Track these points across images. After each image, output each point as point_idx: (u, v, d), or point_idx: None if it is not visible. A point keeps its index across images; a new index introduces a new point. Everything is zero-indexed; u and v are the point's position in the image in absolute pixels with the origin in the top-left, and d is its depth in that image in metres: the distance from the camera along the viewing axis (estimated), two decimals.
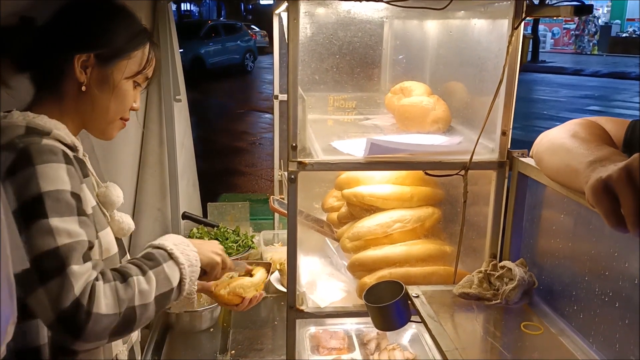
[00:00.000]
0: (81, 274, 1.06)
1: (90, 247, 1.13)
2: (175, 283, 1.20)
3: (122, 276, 1.13)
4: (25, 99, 1.26)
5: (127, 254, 1.43)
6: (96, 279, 1.09)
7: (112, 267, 1.17)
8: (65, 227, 1.08)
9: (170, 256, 1.23)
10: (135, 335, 1.44)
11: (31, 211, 1.08)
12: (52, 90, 1.25)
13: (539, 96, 13.58)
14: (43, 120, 1.20)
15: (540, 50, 20.47)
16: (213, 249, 1.40)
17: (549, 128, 1.21)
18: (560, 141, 1.08)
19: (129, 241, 2.34)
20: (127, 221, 1.36)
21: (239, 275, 1.77)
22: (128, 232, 1.37)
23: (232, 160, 8.19)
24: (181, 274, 1.22)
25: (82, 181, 1.20)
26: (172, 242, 1.27)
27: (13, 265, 0.61)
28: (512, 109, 1.27)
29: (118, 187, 1.36)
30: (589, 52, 23.76)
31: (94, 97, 1.24)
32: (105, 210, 1.31)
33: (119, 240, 1.39)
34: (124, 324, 1.10)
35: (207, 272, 1.37)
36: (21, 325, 1.13)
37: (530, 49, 19.22)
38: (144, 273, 1.16)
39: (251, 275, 1.73)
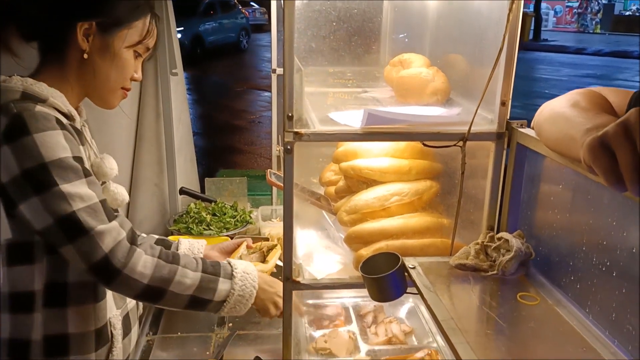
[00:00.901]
0: (107, 232, 1.15)
1: (105, 202, 1.20)
2: (217, 299, 1.29)
3: (171, 259, 1.24)
4: (32, 66, 1.30)
5: None
6: (135, 243, 1.19)
7: (172, 251, 1.29)
8: (77, 192, 1.14)
9: (232, 277, 1.31)
10: (132, 304, 1.45)
11: (40, 181, 1.14)
12: (56, 58, 1.28)
13: (541, 75, 13.50)
14: (41, 88, 1.24)
15: (542, 28, 20.27)
16: (277, 301, 1.41)
17: None
18: (560, 110, 1.07)
19: (126, 216, 2.33)
20: (121, 192, 1.40)
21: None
22: (122, 204, 1.41)
23: (231, 138, 8.17)
24: (227, 297, 1.30)
25: (79, 144, 1.24)
26: (244, 269, 1.36)
27: None
28: (511, 78, 1.25)
29: (112, 159, 1.38)
30: (591, 31, 23.53)
31: (96, 65, 1.28)
32: (98, 180, 1.33)
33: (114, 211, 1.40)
34: (149, 295, 1.22)
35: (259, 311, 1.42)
36: (13, 272, 1.23)
37: (532, 27, 19.02)
38: (194, 270, 1.26)
39: (264, 261, 1.69)
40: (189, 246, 1.65)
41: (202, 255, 1.65)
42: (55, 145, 1.15)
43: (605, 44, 18.73)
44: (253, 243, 1.78)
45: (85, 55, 1.26)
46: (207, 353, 1.74)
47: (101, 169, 1.34)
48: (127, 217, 2.38)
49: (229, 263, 1.36)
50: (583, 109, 1.01)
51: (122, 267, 1.16)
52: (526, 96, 10.25)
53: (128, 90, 1.36)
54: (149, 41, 1.34)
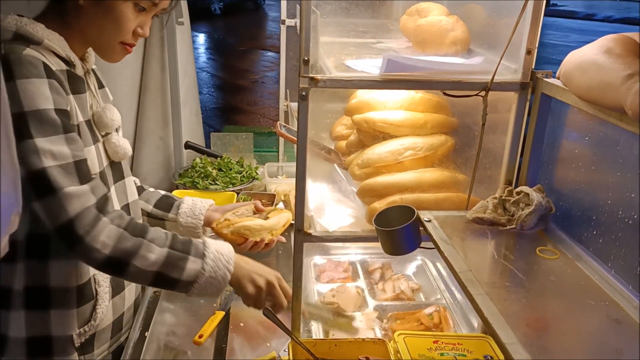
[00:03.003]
0: (76, 196, 1.09)
1: (83, 162, 1.13)
2: (184, 278, 1.19)
3: (138, 231, 1.16)
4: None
5: (126, 179, 1.40)
6: (104, 212, 1.12)
7: (139, 222, 1.20)
8: (50, 148, 1.09)
9: (203, 257, 1.21)
10: None
11: (16, 130, 1.06)
12: (57, 3, 1.22)
13: (549, 40, 13.24)
14: (36, 29, 1.17)
15: None
16: (255, 279, 1.26)
17: None
18: (592, 58, 1.02)
19: (130, 169, 2.30)
20: (123, 145, 1.33)
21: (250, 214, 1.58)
22: (124, 157, 1.35)
23: (234, 97, 8.06)
24: (196, 277, 1.20)
25: (69, 93, 1.17)
26: (217, 249, 1.24)
27: None
28: (539, 25, 1.19)
29: (116, 110, 1.33)
30: None
31: (90, 15, 1.21)
32: (99, 131, 1.29)
33: (117, 164, 1.37)
34: (111, 267, 1.16)
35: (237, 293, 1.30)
36: None
37: None
38: (161, 245, 1.17)
39: (265, 218, 1.57)
40: (192, 205, 1.58)
41: (202, 216, 1.56)
42: (37, 94, 1.09)
43: (615, 10, 18.32)
44: (263, 205, 1.62)
45: (81, 2, 1.18)
46: (214, 305, 1.73)
47: (102, 119, 1.28)
48: (131, 170, 2.36)
49: (203, 242, 1.24)
50: (618, 55, 0.97)
51: (85, 235, 1.09)
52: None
53: (130, 45, 1.26)
54: None
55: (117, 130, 1.39)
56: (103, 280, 1.32)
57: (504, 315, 0.87)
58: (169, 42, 2.37)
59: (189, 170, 2.48)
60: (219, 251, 1.24)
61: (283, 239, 1.58)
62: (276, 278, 1.31)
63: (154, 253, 1.16)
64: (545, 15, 1.19)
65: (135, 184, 1.55)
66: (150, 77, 2.40)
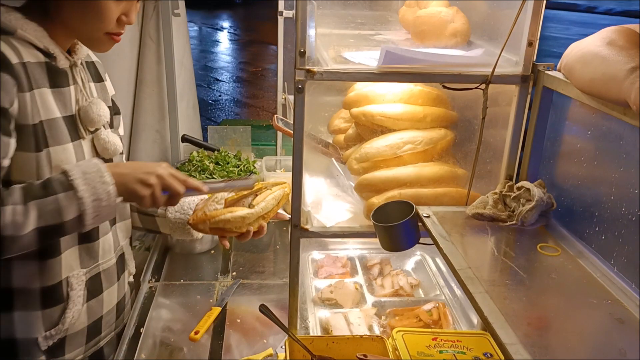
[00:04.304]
0: None
1: None
2: (68, 217, 1.08)
3: None
4: None
5: None
6: None
7: None
8: None
9: (71, 187, 1.08)
10: (109, 263, 1.34)
11: None
12: None
13: (550, 33, 13.18)
14: (8, 18, 1.12)
15: None
16: (143, 178, 1.16)
17: None
18: (594, 50, 0.99)
19: None
20: (112, 141, 1.28)
21: (241, 200, 1.40)
22: (114, 154, 1.30)
23: (234, 90, 8.03)
24: (80, 210, 1.09)
25: (32, 88, 1.12)
26: (83, 169, 1.11)
27: None
28: (540, 16, 1.16)
29: (104, 105, 1.26)
30: None
31: (70, 7, 1.16)
32: (86, 127, 1.24)
33: (108, 161, 1.31)
34: None
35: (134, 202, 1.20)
36: None
37: None
38: (24, 202, 1.05)
39: (250, 205, 1.39)
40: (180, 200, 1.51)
41: (191, 211, 1.45)
42: None
43: (617, 3, 18.20)
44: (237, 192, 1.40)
45: None
46: (210, 301, 1.72)
47: (87, 115, 1.23)
48: None
49: (64, 172, 1.11)
50: (621, 47, 0.94)
51: None
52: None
53: (117, 34, 1.22)
54: None
55: (113, 125, 1.35)
56: (77, 284, 1.25)
57: (504, 314, 0.85)
58: (164, 34, 2.34)
59: (186, 164, 2.45)
60: (86, 171, 1.11)
61: (286, 216, 1.45)
62: (164, 168, 1.20)
63: (18, 215, 1.04)
64: (546, 7, 1.16)
65: None
66: (146, 69, 2.37)
